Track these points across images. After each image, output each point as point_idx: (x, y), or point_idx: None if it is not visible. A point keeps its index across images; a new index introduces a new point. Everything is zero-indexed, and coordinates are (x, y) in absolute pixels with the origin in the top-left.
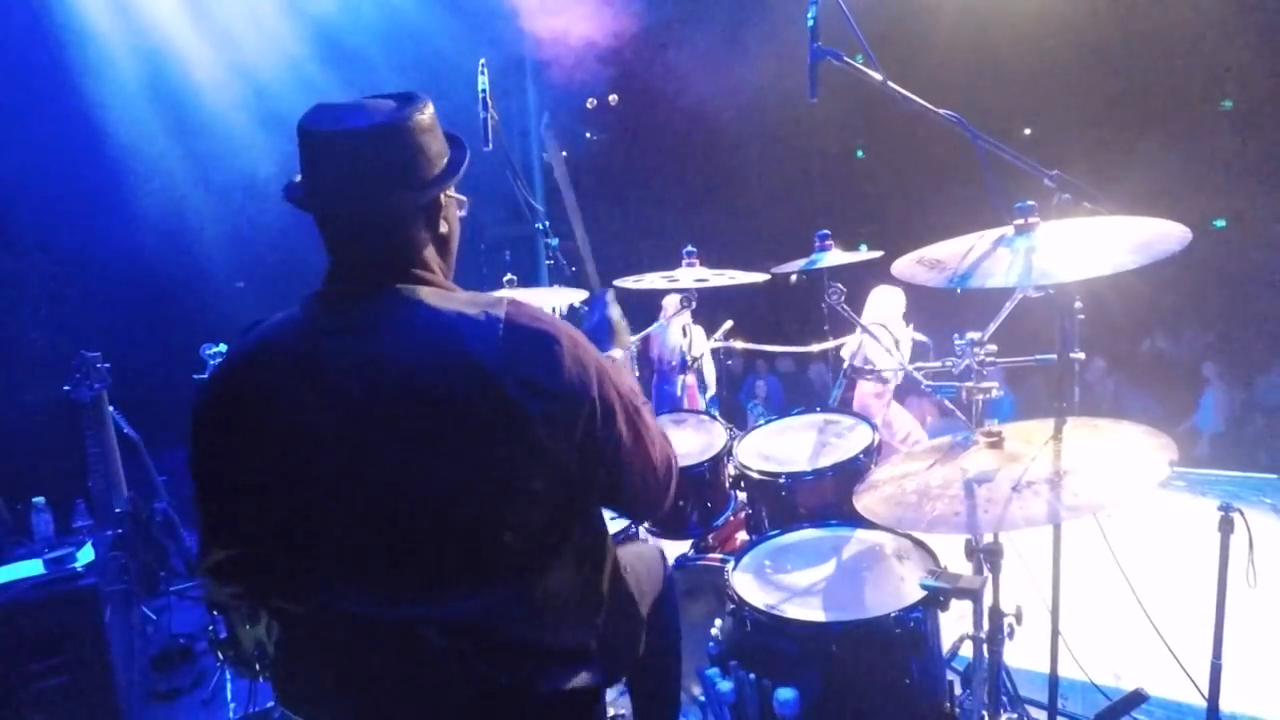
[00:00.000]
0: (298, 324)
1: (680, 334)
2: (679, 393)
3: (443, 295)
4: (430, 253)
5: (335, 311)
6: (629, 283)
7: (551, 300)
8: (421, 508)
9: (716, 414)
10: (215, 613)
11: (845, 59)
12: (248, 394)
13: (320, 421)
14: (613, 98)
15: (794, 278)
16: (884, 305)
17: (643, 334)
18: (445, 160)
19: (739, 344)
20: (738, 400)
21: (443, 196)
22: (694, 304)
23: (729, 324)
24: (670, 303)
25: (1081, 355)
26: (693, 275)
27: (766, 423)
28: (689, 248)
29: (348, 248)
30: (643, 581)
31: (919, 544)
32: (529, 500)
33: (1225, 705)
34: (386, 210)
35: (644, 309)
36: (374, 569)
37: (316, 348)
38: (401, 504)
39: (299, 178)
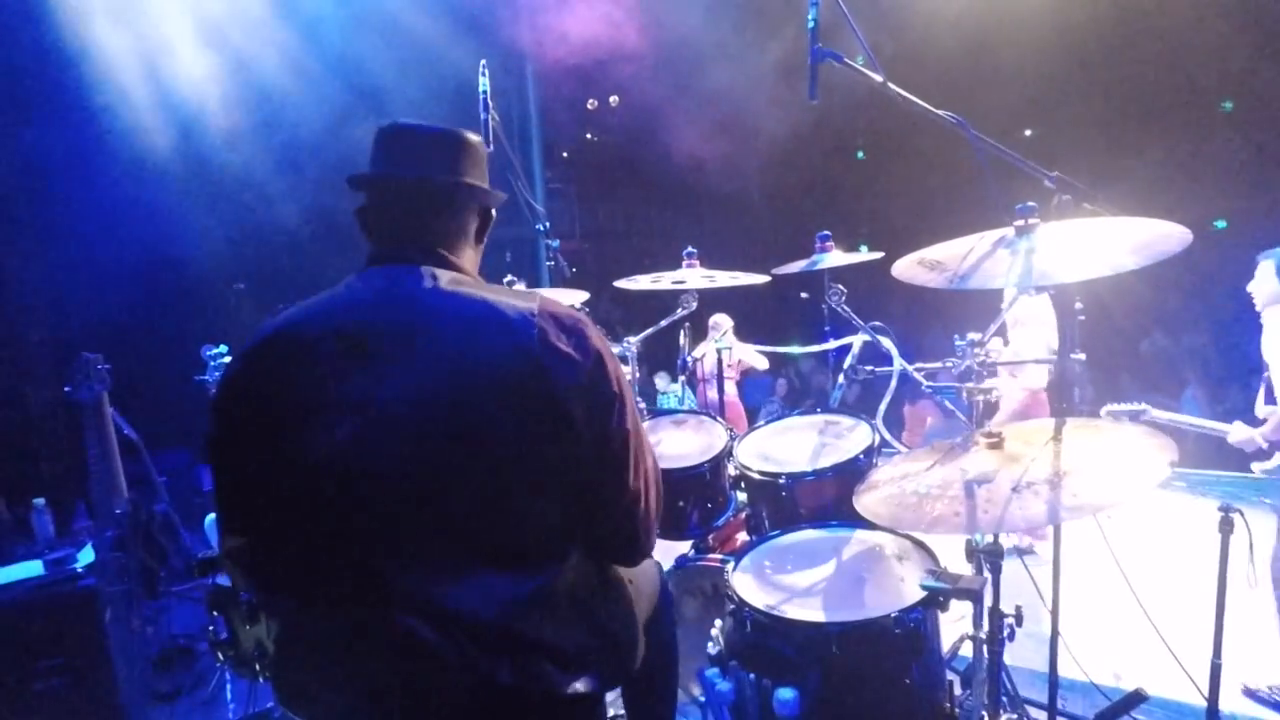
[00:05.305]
0: (337, 297)
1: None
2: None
3: (478, 283)
4: (458, 243)
5: (376, 285)
6: (636, 284)
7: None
8: (446, 478)
9: (716, 415)
10: (215, 613)
11: (846, 60)
12: (275, 366)
13: (353, 384)
14: (613, 99)
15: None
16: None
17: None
18: (482, 181)
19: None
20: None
21: (475, 208)
22: (695, 304)
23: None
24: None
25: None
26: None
27: (767, 423)
28: (689, 248)
29: (392, 220)
30: (641, 591)
31: (919, 544)
32: (550, 479)
33: (1225, 705)
34: (432, 183)
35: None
36: (383, 549)
37: (355, 315)
38: (426, 472)
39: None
